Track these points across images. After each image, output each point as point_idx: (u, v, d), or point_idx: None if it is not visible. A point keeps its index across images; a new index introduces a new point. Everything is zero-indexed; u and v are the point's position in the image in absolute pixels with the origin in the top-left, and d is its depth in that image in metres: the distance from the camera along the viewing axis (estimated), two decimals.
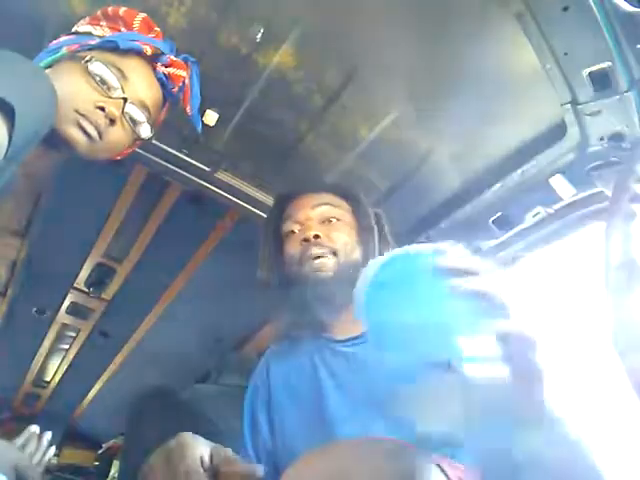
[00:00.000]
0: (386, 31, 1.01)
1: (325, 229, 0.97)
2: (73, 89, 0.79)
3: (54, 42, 0.87)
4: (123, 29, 0.88)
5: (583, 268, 1.27)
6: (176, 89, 0.92)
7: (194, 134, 1.27)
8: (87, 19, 0.90)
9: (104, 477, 3.69)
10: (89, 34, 0.87)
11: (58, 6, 1.01)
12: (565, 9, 0.81)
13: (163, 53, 0.90)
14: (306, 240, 0.95)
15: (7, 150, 0.63)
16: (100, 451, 3.75)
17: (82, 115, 0.79)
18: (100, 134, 0.81)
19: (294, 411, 0.91)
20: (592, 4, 0.79)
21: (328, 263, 0.93)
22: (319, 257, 0.93)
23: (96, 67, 0.81)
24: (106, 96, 0.81)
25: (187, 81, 0.93)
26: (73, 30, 0.90)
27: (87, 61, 0.81)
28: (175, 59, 0.91)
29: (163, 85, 0.91)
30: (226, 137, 1.28)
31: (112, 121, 0.81)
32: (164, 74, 0.89)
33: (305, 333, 0.97)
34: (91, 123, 0.79)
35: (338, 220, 1.00)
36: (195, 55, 1.09)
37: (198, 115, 0.98)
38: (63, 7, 1.01)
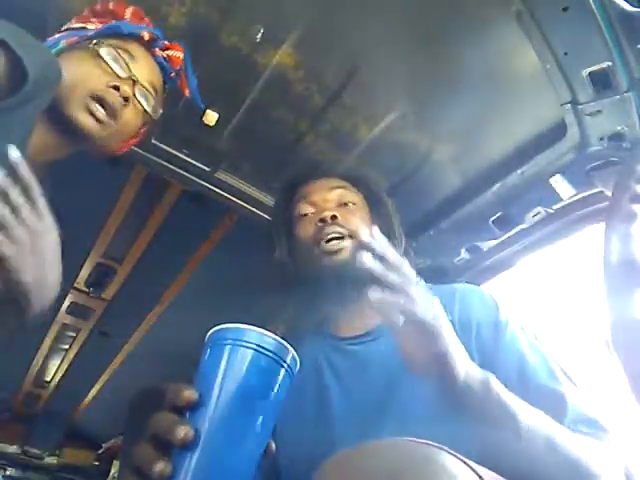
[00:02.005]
0: (386, 31, 1.01)
1: (342, 212, 0.91)
2: (85, 72, 0.82)
3: (50, 38, 0.89)
4: (114, 21, 0.90)
5: (583, 268, 1.27)
6: (173, 74, 0.96)
7: (194, 134, 1.27)
8: (74, 20, 0.92)
9: (104, 477, 3.68)
10: (84, 29, 0.89)
11: (58, 3, 1.01)
12: (565, 9, 0.81)
13: (159, 38, 0.93)
14: (322, 221, 0.89)
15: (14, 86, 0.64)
16: (100, 451, 3.75)
17: (96, 97, 0.81)
18: (115, 115, 0.84)
19: (295, 412, 0.85)
20: (592, 4, 0.79)
21: (345, 245, 0.86)
22: (335, 239, 0.87)
23: (106, 50, 0.84)
24: (117, 77, 0.84)
25: (181, 65, 0.96)
26: (65, 28, 0.91)
27: (96, 44, 0.84)
28: (171, 43, 0.94)
29: (163, 68, 0.94)
30: (226, 137, 1.28)
31: (126, 100, 0.84)
32: (163, 57, 0.93)
33: (310, 327, 0.92)
34: (106, 105, 0.82)
35: (354, 205, 0.95)
36: (195, 55, 1.09)
37: (197, 92, 1.00)
38: (63, 5, 1.01)
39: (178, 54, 0.95)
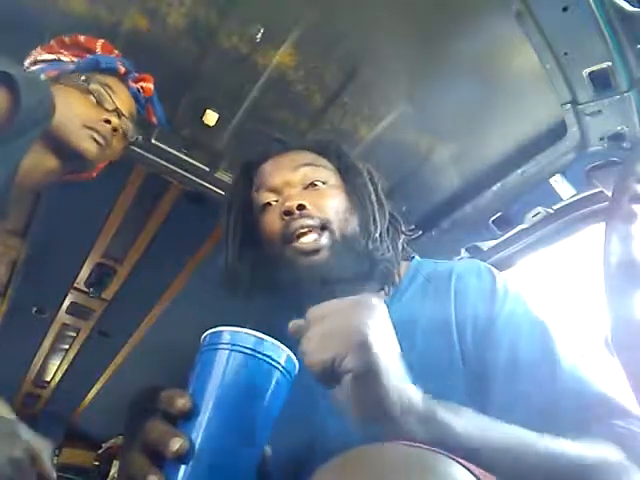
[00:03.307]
0: (386, 31, 1.01)
1: (311, 196, 0.77)
2: (79, 107, 0.91)
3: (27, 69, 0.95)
4: (87, 54, 0.97)
5: (583, 268, 1.27)
6: (144, 102, 1.05)
7: (194, 134, 1.27)
8: (40, 49, 0.97)
9: (104, 477, 3.68)
10: (59, 60, 0.96)
11: (57, 4, 1.01)
12: (565, 9, 0.81)
13: (131, 70, 1.01)
14: (288, 213, 0.74)
15: (12, 120, 0.72)
16: (100, 451, 3.75)
17: (92, 129, 0.91)
18: (108, 143, 0.94)
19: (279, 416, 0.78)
20: (592, 4, 0.79)
21: (323, 244, 0.73)
22: (307, 233, 0.74)
23: (95, 86, 0.94)
24: (105, 110, 0.94)
25: (151, 94, 1.05)
26: (32, 59, 0.97)
27: (85, 81, 0.93)
28: (140, 74, 1.03)
29: (136, 99, 1.03)
30: (226, 137, 1.28)
31: (115, 130, 0.95)
32: (137, 89, 1.02)
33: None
34: (101, 135, 0.92)
35: (324, 183, 0.80)
36: (195, 55, 1.09)
37: (164, 117, 1.11)
38: (63, 7, 1.01)
39: (149, 85, 1.04)
